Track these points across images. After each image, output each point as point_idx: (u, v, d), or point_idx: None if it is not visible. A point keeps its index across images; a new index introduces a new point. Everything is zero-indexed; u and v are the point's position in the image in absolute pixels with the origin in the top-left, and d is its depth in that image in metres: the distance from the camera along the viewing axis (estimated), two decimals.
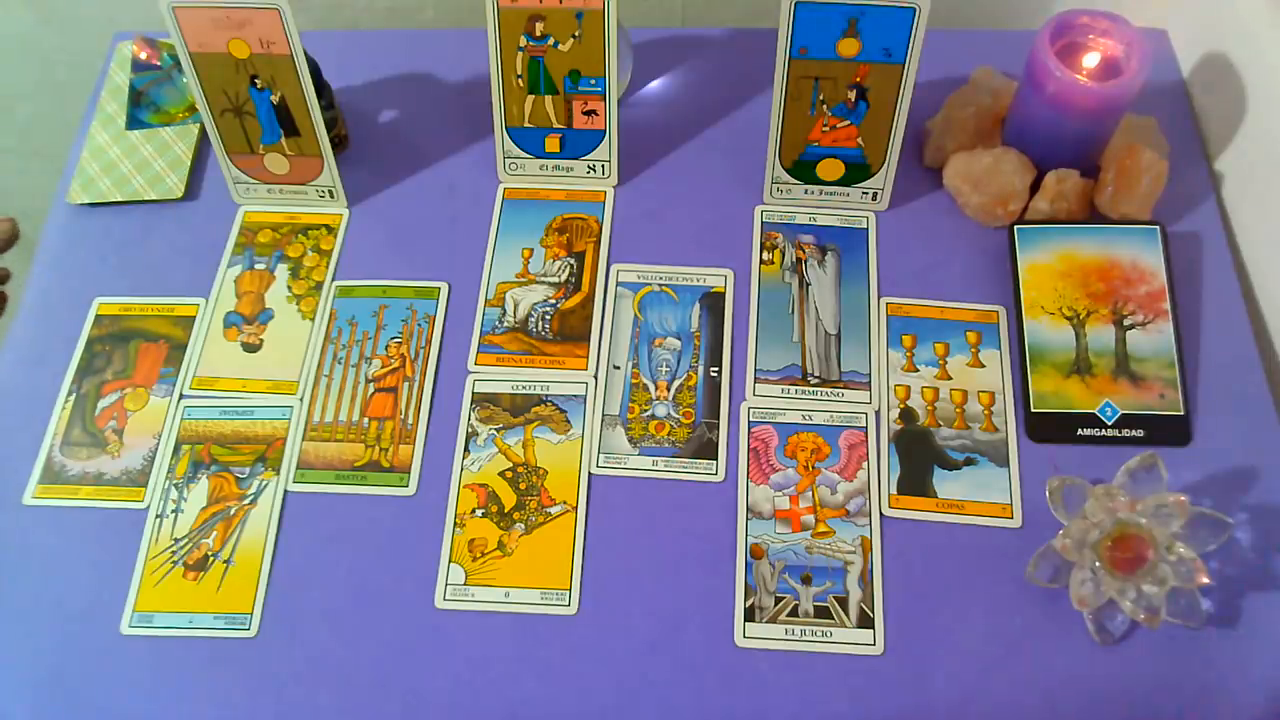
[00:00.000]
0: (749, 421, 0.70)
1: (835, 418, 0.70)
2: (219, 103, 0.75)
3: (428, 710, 0.62)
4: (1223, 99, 0.78)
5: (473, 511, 0.68)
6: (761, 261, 0.77)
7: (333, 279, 0.78)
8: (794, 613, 0.64)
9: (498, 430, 0.71)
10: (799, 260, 0.76)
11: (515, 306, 0.76)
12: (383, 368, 0.73)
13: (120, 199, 0.81)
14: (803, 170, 0.77)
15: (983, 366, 0.72)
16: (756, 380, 0.72)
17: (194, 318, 0.76)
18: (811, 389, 0.71)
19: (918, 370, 0.72)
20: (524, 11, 0.72)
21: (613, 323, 0.75)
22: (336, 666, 0.64)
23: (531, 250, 0.78)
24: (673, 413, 0.71)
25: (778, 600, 0.64)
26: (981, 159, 0.75)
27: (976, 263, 0.76)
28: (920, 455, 0.69)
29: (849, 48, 0.69)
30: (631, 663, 0.63)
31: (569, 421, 0.71)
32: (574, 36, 0.73)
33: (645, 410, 0.71)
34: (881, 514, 0.67)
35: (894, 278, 0.75)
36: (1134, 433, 0.68)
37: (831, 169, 0.76)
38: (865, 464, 0.68)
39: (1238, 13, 0.76)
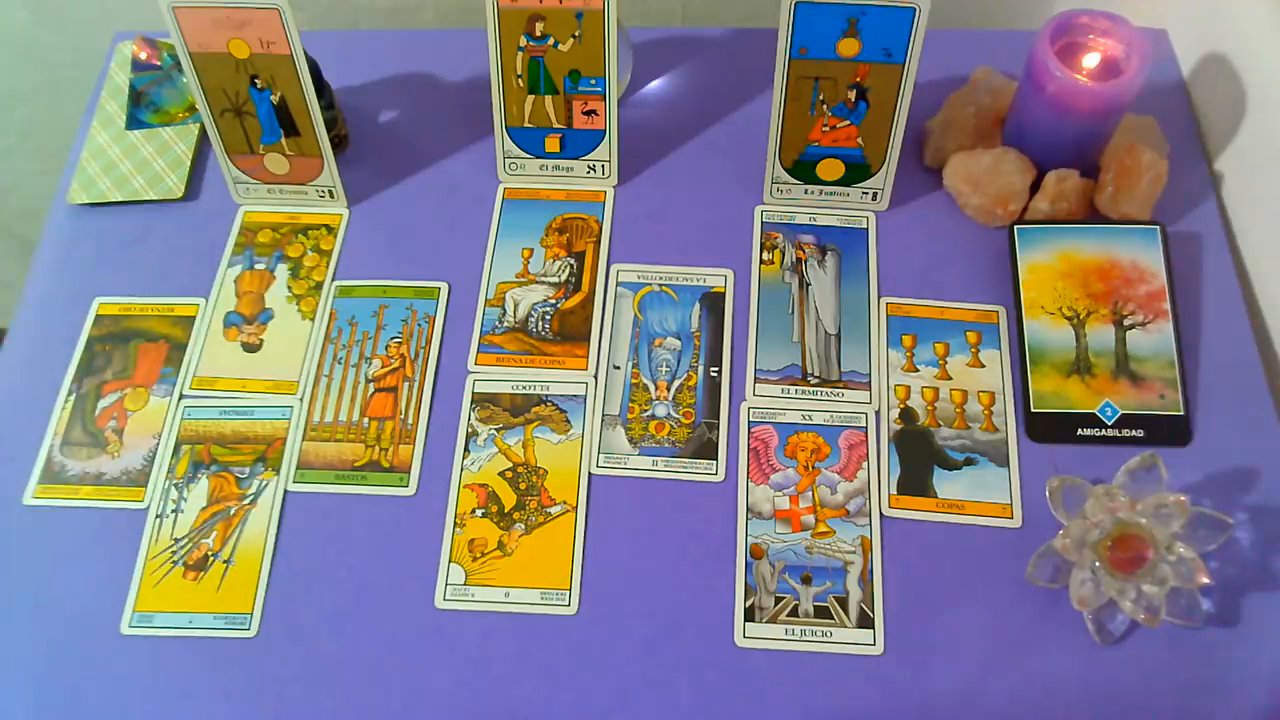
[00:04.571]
0: (749, 421, 0.70)
1: (835, 418, 0.70)
2: (219, 103, 0.75)
3: (428, 710, 0.62)
4: (1223, 99, 0.78)
5: (473, 511, 0.68)
6: (761, 261, 0.77)
7: (333, 279, 0.78)
8: (794, 613, 0.64)
9: (498, 430, 0.71)
10: (799, 260, 0.76)
11: (515, 306, 0.76)
12: (383, 368, 0.73)
13: (120, 199, 0.81)
14: (803, 170, 0.77)
15: (983, 366, 0.72)
16: (756, 380, 0.72)
17: (194, 318, 0.76)
18: (811, 389, 0.71)
19: (918, 370, 0.72)
20: (524, 11, 0.72)
21: (613, 323, 0.75)
22: (336, 666, 0.64)
23: (531, 250, 0.78)
24: (673, 413, 0.71)
25: (778, 600, 0.64)
26: (981, 159, 0.75)
27: (976, 263, 0.76)
28: (920, 455, 0.69)
29: (849, 48, 0.69)
30: (631, 663, 0.63)
31: (569, 421, 0.71)
32: (574, 36, 0.73)
33: (645, 410, 0.71)
34: (881, 514, 0.67)
35: (894, 278, 0.75)
36: (1134, 433, 0.68)
37: (831, 169, 0.76)
38: (865, 464, 0.68)
39: (1238, 13, 0.76)
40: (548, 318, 0.75)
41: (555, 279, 0.77)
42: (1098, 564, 0.61)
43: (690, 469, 0.69)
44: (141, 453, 0.71)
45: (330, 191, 0.80)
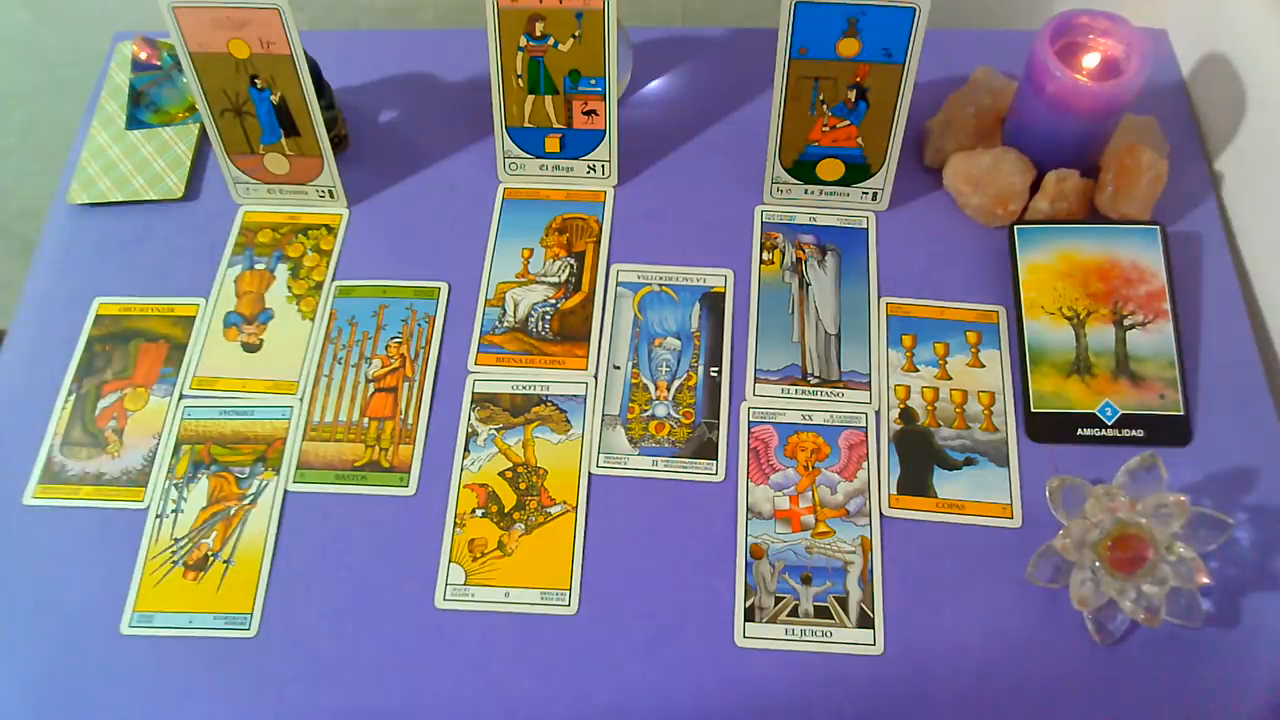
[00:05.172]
0: (749, 421, 0.70)
1: (835, 418, 0.70)
2: (219, 103, 0.75)
3: (428, 710, 0.62)
4: (1223, 99, 0.78)
5: (473, 511, 0.68)
6: (761, 261, 0.77)
7: (333, 279, 0.78)
8: (794, 613, 0.64)
9: (498, 430, 0.71)
10: (799, 260, 0.76)
11: (515, 306, 0.76)
12: (383, 368, 0.73)
13: (120, 199, 0.81)
14: (803, 170, 0.77)
15: (983, 366, 0.72)
16: (756, 380, 0.72)
17: (194, 318, 0.76)
18: (811, 389, 0.71)
19: (918, 370, 0.72)
20: (524, 11, 0.72)
21: (613, 323, 0.75)
22: (336, 666, 0.64)
23: (531, 250, 0.78)
24: (673, 413, 0.71)
25: (778, 600, 0.64)
26: (981, 159, 0.75)
27: (976, 263, 0.76)
28: (920, 455, 0.69)
29: (849, 48, 0.69)
30: (631, 663, 0.63)
31: (569, 421, 0.71)
32: (574, 36, 0.73)
33: (645, 410, 0.71)
34: (881, 514, 0.67)
35: (894, 278, 0.75)
36: (1134, 433, 0.68)
37: (831, 169, 0.77)
38: (865, 464, 0.68)
39: (1237, 13, 0.76)
40: (548, 318, 0.75)
41: (555, 279, 0.77)
42: (1098, 564, 0.61)
43: (690, 469, 0.69)
44: (141, 453, 0.71)
45: (330, 191, 0.80)
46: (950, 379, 0.71)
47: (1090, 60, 0.72)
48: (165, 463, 0.71)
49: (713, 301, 0.75)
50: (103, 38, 0.91)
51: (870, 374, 0.72)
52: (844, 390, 0.71)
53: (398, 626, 0.65)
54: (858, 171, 0.76)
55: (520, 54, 0.74)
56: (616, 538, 0.67)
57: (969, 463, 0.68)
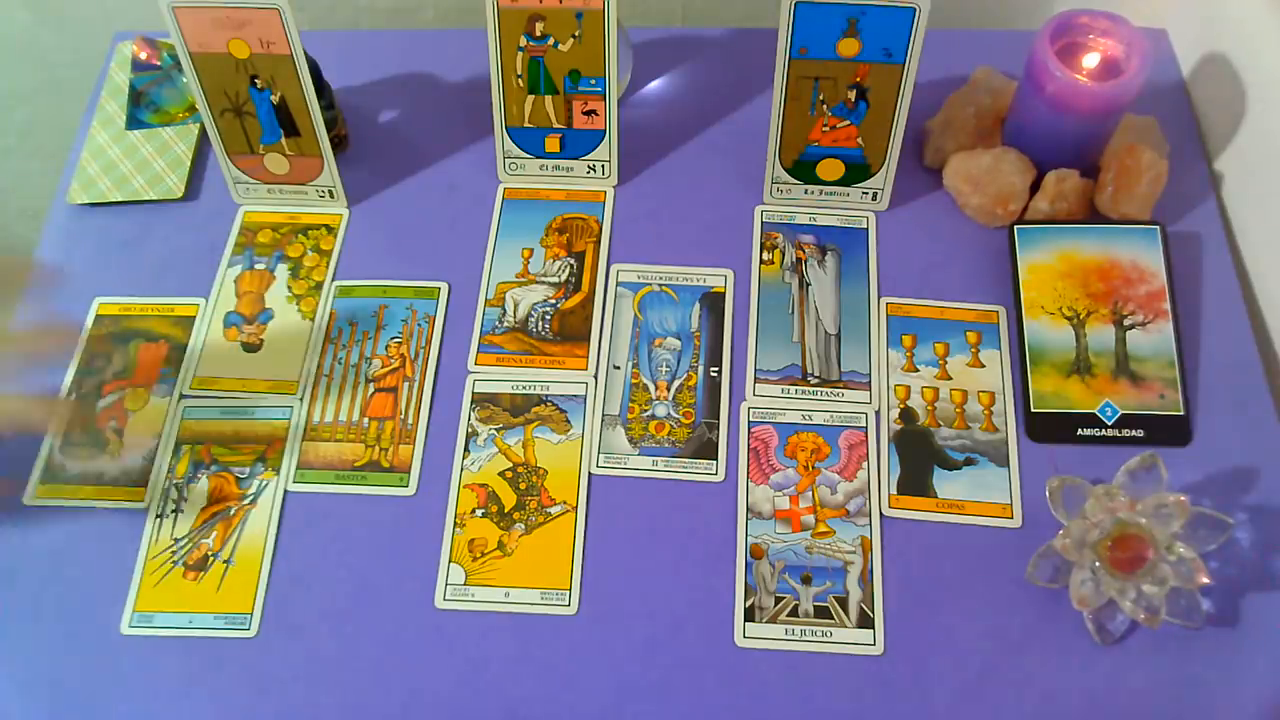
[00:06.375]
0: (749, 421, 0.70)
1: (835, 418, 0.70)
2: (219, 103, 0.75)
3: (428, 710, 0.62)
4: (1223, 99, 0.78)
5: (473, 511, 0.68)
6: (761, 261, 0.77)
7: (333, 279, 0.78)
8: (794, 613, 0.64)
9: (498, 430, 0.71)
10: (799, 260, 0.76)
11: (515, 306, 0.76)
12: (383, 368, 0.73)
13: (120, 199, 0.81)
14: (803, 170, 0.77)
15: (983, 366, 0.72)
16: (756, 380, 0.72)
17: (194, 318, 0.76)
18: (811, 389, 0.71)
19: (918, 370, 0.72)
20: (524, 11, 0.72)
21: (613, 323, 0.75)
22: (336, 666, 0.64)
23: (531, 250, 0.78)
24: (673, 413, 0.71)
25: (778, 600, 0.64)
26: (981, 159, 0.75)
27: (976, 263, 0.76)
28: (920, 455, 0.69)
29: (849, 48, 0.69)
30: (631, 663, 0.63)
31: (569, 421, 0.71)
32: (574, 36, 0.73)
33: (645, 410, 0.71)
34: (881, 514, 0.67)
35: (894, 278, 0.75)
36: (1134, 433, 0.68)
37: (831, 169, 0.77)
38: (865, 464, 0.68)
39: (1237, 13, 0.76)
40: (548, 318, 0.75)
41: (555, 279, 0.77)
42: (1098, 564, 0.61)
43: (690, 469, 0.69)
44: (141, 453, 0.71)
45: (330, 191, 0.80)
46: (950, 379, 0.71)
47: (1090, 60, 0.72)
48: (165, 463, 0.71)
49: (713, 301, 0.75)
50: (103, 38, 0.91)
51: (870, 374, 0.72)
52: (844, 390, 0.71)
53: (398, 626, 0.65)
54: (858, 171, 0.76)
55: (520, 54, 0.74)
56: (616, 538, 0.67)
57: (969, 463, 0.68)
